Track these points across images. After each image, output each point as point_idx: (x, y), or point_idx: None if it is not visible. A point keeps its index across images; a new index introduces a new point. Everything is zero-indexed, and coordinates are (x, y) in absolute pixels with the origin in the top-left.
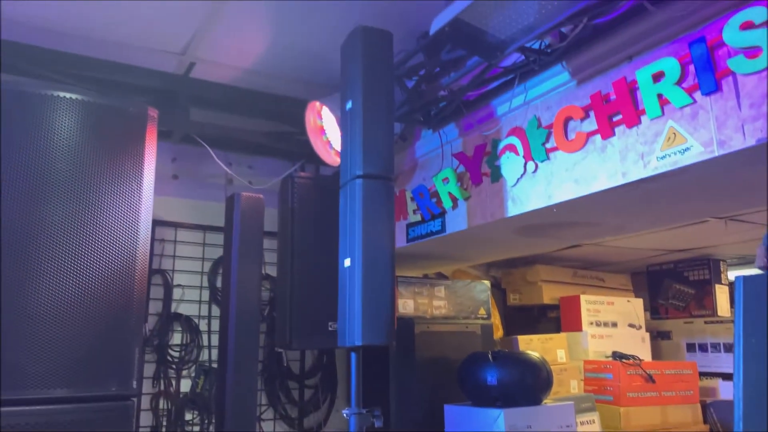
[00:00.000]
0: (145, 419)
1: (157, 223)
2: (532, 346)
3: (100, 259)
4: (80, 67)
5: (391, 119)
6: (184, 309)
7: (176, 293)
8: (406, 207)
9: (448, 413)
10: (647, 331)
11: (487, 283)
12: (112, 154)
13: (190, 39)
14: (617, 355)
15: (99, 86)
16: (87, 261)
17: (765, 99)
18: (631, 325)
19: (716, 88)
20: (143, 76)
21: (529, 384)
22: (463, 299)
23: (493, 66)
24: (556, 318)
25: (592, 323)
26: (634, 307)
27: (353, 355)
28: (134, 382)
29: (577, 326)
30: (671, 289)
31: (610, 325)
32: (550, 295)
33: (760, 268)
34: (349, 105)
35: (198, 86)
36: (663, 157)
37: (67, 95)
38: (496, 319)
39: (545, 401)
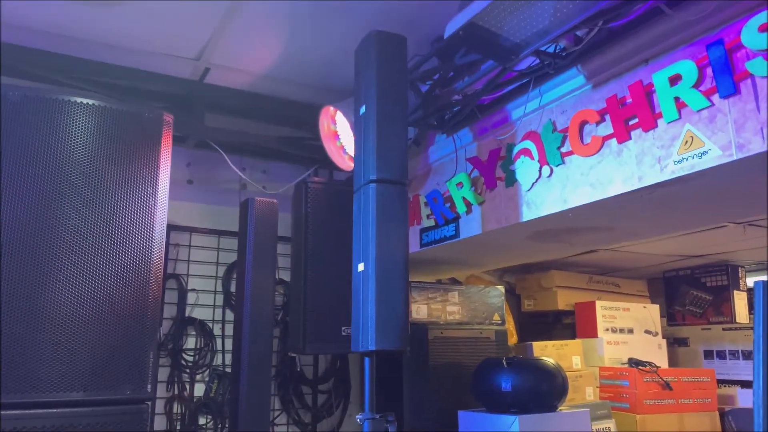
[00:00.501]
0: (160, 423)
1: (171, 227)
2: (547, 352)
3: (115, 263)
4: (96, 73)
5: (404, 124)
6: (199, 313)
7: (190, 297)
8: (419, 212)
9: (462, 419)
10: (664, 337)
11: (501, 288)
12: (128, 159)
13: (205, 45)
14: (633, 362)
15: (114, 92)
16: (102, 265)
17: None
18: (648, 332)
19: (734, 91)
20: (158, 81)
21: (544, 390)
22: (477, 305)
23: (508, 70)
24: (572, 324)
25: (607, 329)
26: (650, 313)
27: (367, 360)
28: (149, 386)
29: (592, 333)
30: (688, 295)
31: (626, 331)
32: (565, 301)
33: None
34: (362, 110)
35: (213, 92)
36: (680, 161)
37: (83, 101)
38: (510, 325)
39: (560, 408)
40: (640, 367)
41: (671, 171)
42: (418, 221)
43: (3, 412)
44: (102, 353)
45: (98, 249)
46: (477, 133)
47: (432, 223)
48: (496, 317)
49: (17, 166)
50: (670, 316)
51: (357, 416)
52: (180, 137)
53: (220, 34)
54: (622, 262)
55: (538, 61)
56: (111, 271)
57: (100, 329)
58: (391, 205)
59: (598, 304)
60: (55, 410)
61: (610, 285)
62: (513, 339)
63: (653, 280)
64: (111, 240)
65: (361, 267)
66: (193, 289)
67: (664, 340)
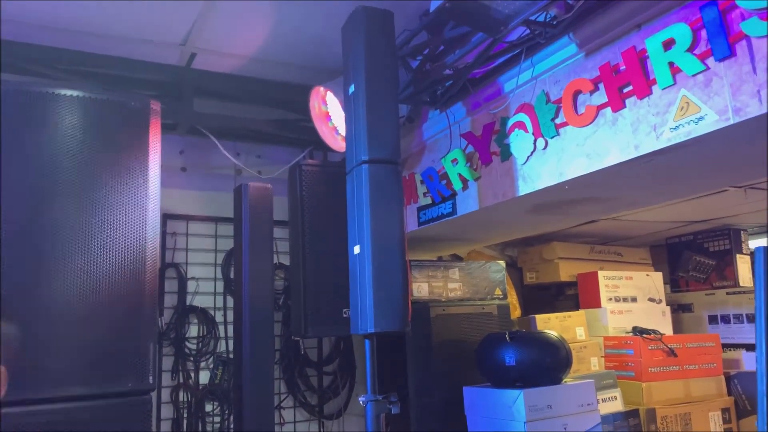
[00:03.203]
0: (166, 412)
1: (168, 216)
2: (551, 324)
3: (109, 256)
4: (82, 63)
5: (395, 101)
6: (200, 301)
7: (191, 286)
8: (416, 190)
9: (467, 395)
10: (668, 304)
11: (501, 263)
12: (117, 149)
13: (190, 29)
14: (638, 331)
15: (102, 82)
16: (96, 259)
17: None
18: (651, 300)
19: (730, 53)
20: (145, 69)
21: (548, 363)
22: (479, 280)
23: (498, 41)
24: (575, 295)
25: (611, 299)
26: (653, 280)
27: (367, 343)
28: (151, 377)
29: (595, 303)
30: (691, 260)
31: (630, 300)
32: (567, 272)
33: None
34: (351, 88)
35: (201, 77)
36: (676, 128)
37: (69, 92)
38: (513, 299)
39: (565, 380)
40: (644, 335)
41: (667, 138)
42: (414, 200)
43: (3, 410)
44: (101, 347)
45: (91, 242)
46: (470, 107)
47: (429, 201)
48: (498, 292)
49: (5, 161)
50: (673, 283)
51: (360, 398)
52: (170, 124)
53: (205, 17)
54: (623, 231)
55: (528, 31)
56: (105, 264)
57: (98, 323)
58: (385, 185)
59: (601, 274)
60: (56, 406)
61: (612, 254)
62: (516, 313)
63: (656, 248)
64: (104, 232)
65: (357, 249)
66: (193, 278)
67: (668, 307)
